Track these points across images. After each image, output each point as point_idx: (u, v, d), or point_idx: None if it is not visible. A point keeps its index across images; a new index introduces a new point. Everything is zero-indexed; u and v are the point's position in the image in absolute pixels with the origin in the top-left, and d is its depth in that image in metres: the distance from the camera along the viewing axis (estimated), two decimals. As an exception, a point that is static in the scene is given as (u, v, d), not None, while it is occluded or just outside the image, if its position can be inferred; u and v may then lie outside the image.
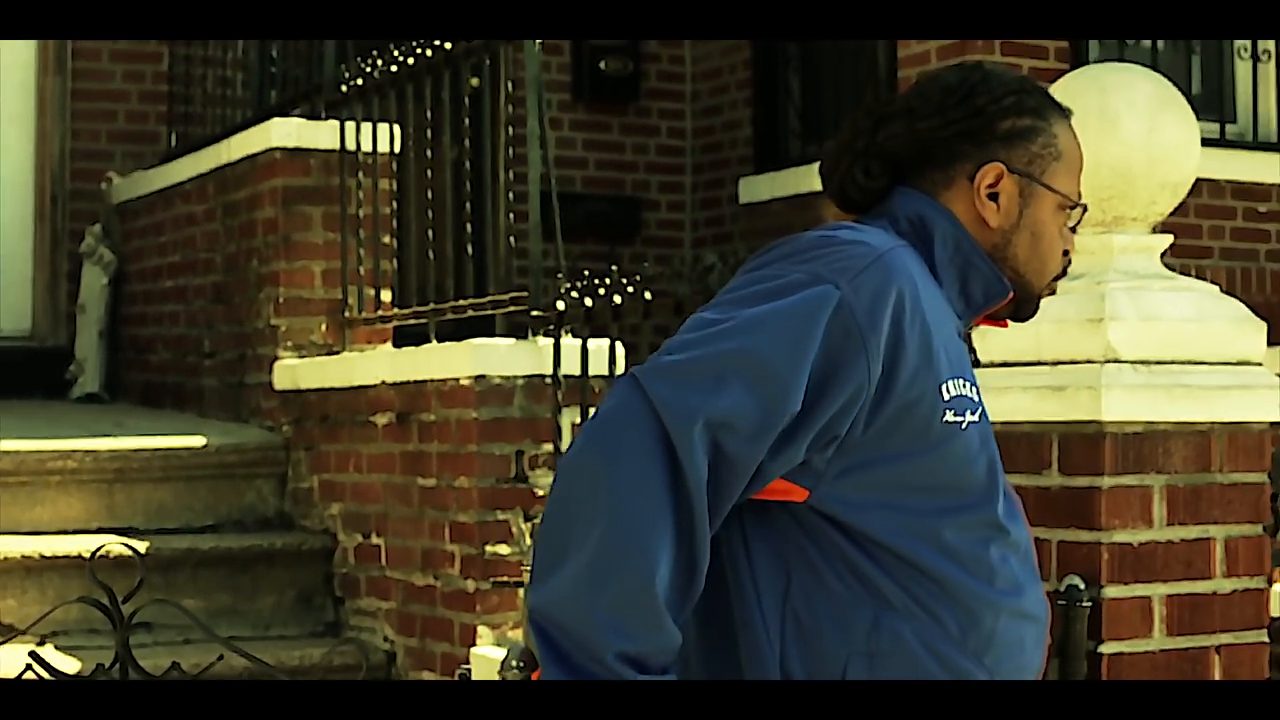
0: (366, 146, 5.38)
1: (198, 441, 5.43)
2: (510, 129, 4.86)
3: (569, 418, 4.45)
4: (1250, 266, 6.94)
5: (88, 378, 6.79)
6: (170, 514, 5.34)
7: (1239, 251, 6.91)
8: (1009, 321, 2.34)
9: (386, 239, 5.46)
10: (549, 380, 4.51)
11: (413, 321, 5.19)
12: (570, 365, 4.40)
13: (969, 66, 2.29)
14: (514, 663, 2.67)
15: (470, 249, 4.99)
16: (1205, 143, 6.56)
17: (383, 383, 5.06)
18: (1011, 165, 2.23)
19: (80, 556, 4.78)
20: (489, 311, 4.85)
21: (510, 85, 4.87)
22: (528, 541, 4.39)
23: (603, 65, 7.88)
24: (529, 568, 2.81)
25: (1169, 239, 3.29)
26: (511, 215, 4.80)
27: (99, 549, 3.26)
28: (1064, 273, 2.32)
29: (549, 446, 4.52)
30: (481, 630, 4.57)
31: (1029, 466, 3.11)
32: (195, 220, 6.27)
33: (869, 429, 2.07)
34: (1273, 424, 3.24)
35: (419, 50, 5.07)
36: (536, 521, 4.56)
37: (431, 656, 4.78)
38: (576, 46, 7.88)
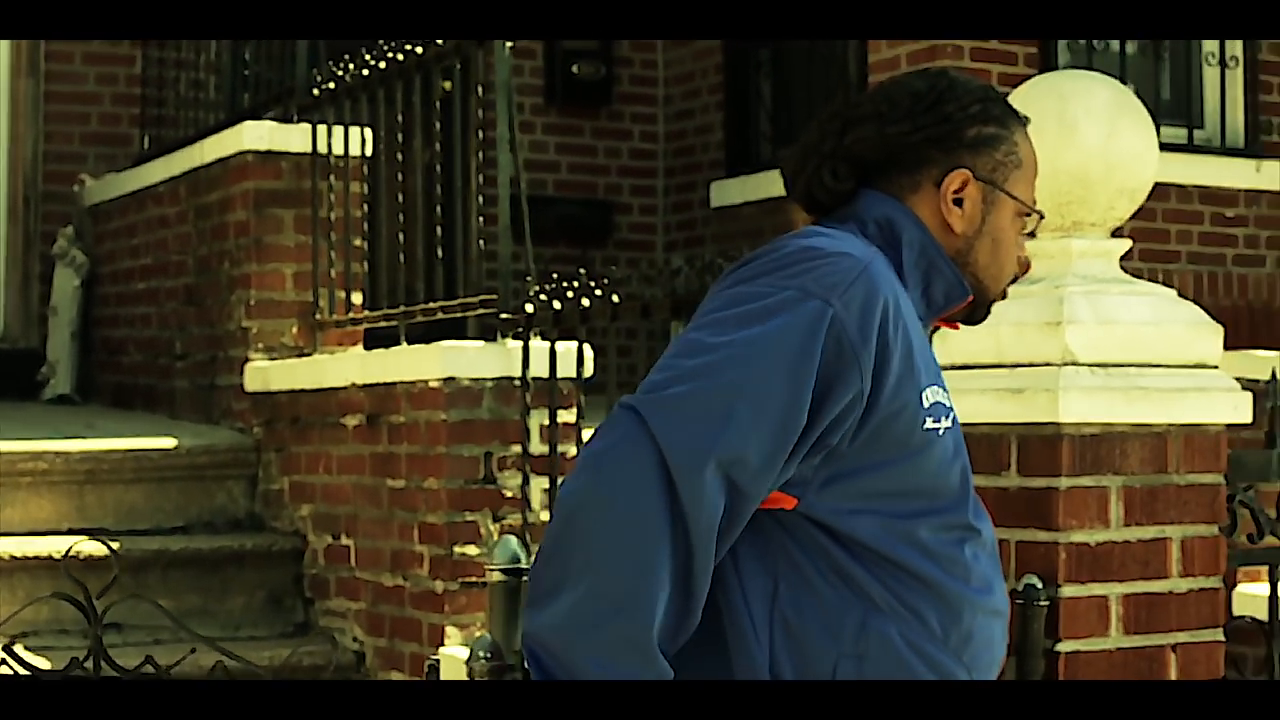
0: (338, 150, 5.41)
1: (169, 443, 5.45)
2: (481, 133, 4.89)
3: (537, 420, 4.49)
4: (1217, 271, 6.99)
5: (59, 379, 6.80)
6: (141, 515, 5.36)
7: (1206, 256, 6.96)
8: (960, 324, 2.38)
9: (357, 242, 5.48)
10: (517, 382, 4.54)
11: (383, 324, 5.22)
12: (539, 368, 4.43)
13: (935, 73, 2.32)
14: (481, 653, 2.69)
15: (441, 252, 5.03)
16: (1173, 148, 6.71)
17: (353, 385, 5.08)
18: (977, 172, 2.27)
19: (51, 557, 4.80)
20: (459, 314, 4.89)
21: (481, 89, 4.90)
22: (495, 538, 4.42)
23: (575, 69, 7.91)
24: (493, 567, 2.84)
25: (1127, 243, 3.33)
26: (482, 219, 4.84)
27: (72, 546, 3.28)
28: (1016, 279, 2.36)
29: (517, 448, 4.56)
30: (450, 630, 4.60)
31: (988, 467, 3.14)
32: (167, 223, 6.28)
33: (856, 439, 2.10)
34: (1228, 426, 3.28)
35: (391, 54, 5.10)
36: (505, 522, 4.60)
37: (400, 657, 4.81)
38: (549, 50, 7.91)
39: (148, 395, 6.38)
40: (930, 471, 2.16)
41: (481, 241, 4.86)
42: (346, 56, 5.32)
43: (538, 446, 4.47)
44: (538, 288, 4.44)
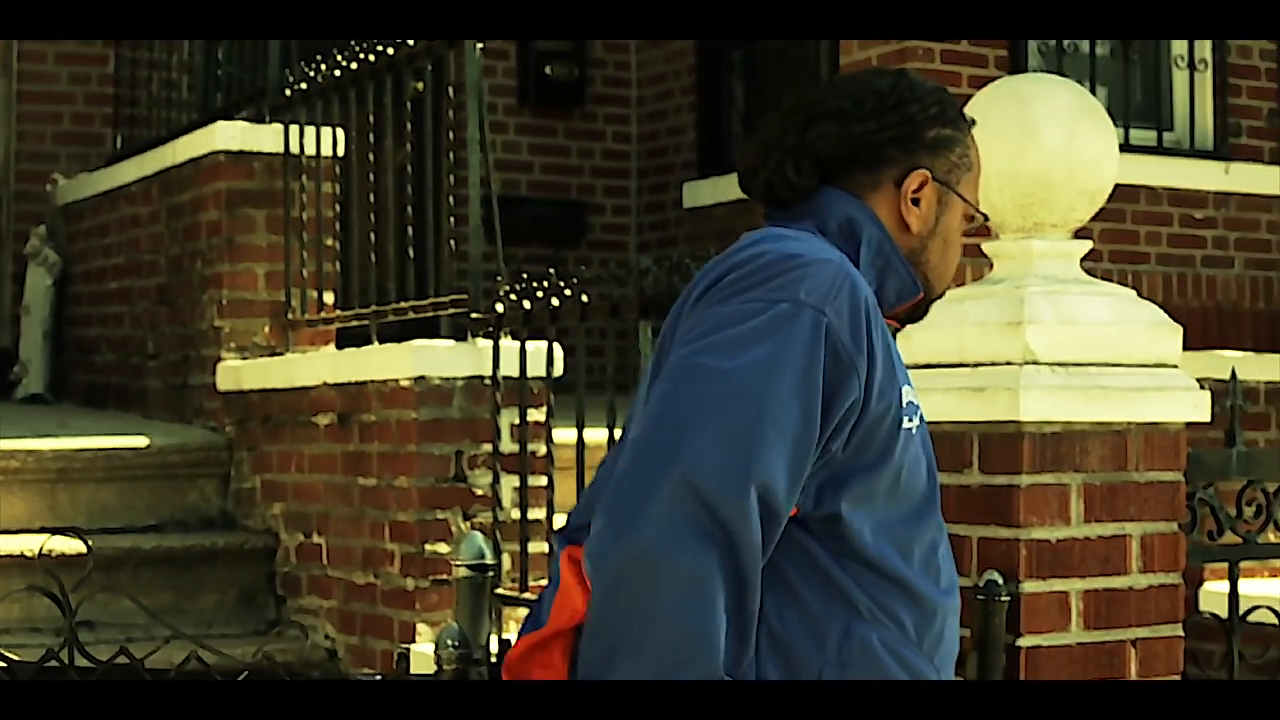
0: (310, 150, 5.43)
1: (141, 442, 5.46)
2: (452, 133, 4.91)
3: (508, 418, 4.51)
4: (1186, 272, 7.03)
5: (32, 379, 6.80)
6: (113, 514, 5.37)
7: (1175, 257, 7.00)
8: (900, 322, 2.40)
9: (329, 241, 5.50)
10: (488, 381, 4.56)
11: (355, 323, 5.24)
12: (509, 367, 4.46)
13: (895, 73, 2.33)
14: (449, 642, 2.72)
15: (412, 252, 5.05)
16: (1143, 150, 6.76)
17: (324, 384, 5.10)
18: (935, 173, 2.29)
19: (23, 555, 4.81)
20: (430, 314, 4.91)
21: (452, 90, 4.93)
22: (465, 532, 4.44)
23: (549, 70, 7.94)
24: (459, 562, 2.87)
25: (1088, 244, 3.37)
26: (453, 219, 4.86)
27: (44, 543, 3.30)
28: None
29: (488, 446, 4.58)
30: (421, 628, 4.62)
31: (950, 465, 3.18)
32: (140, 222, 6.29)
33: (849, 444, 2.12)
34: (1188, 424, 3.32)
35: (362, 55, 5.12)
36: (476, 520, 4.63)
37: (372, 654, 4.83)
38: (523, 51, 7.94)
39: (120, 394, 6.39)
40: (910, 470, 2.18)
41: (452, 241, 4.89)
42: (318, 57, 5.34)
43: (508, 445, 4.50)
44: (508, 287, 4.47)
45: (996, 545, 3.15)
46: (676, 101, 7.98)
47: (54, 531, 5.04)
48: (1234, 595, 3.53)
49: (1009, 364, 3.18)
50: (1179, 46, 7.09)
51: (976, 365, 3.23)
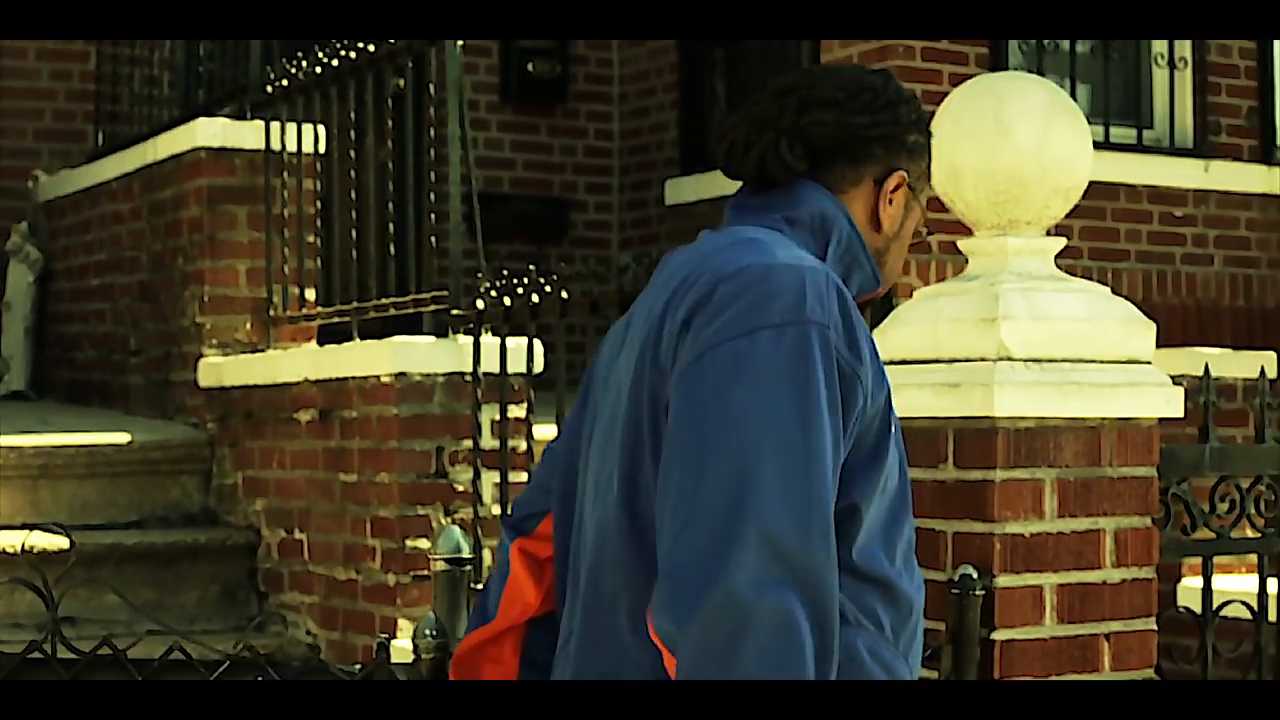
0: (291, 147, 5.44)
1: (123, 438, 5.47)
2: (434, 130, 4.93)
3: (488, 415, 4.53)
4: (1166, 270, 7.06)
5: (14, 375, 6.81)
6: (95, 510, 5.38)
7: (1155, 255, 7.03)
8: None
9: (311, 238, 5.52)
10: (469, 378, 4.58)
11: (336, 320, 5.25)
12: (490, 363, 4.48)
13: (883, 73, 2.35)
14: (427, 631, 2.74)
15: (393, 249, 5.06)
16: (1122, 148, 6.78)
17: (306, 380, 5.12)
18: (909, 177, 2.32)
19: (5, 551, 4.82)
20: (411, 310, 4.93)
21: (434, 87, 4.94)
22: (445, 525, 4.45)
23: (531, 67, 7.95)
24: (437, 556, 2.89)
25: (1062, 242, 3.39)
26: (434, 216, 4.88)
27: (25, 539, 3.31)
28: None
29: (469, 443, 4.60)
30: (402, 624, 4.64)
31: (925, 460, 3.20)
32: (121, 219, 6.30)
33: (851, 448, 2.13)
34: (1161, 420, 3.34)
35: (344, 52, 5.13)
36: (457, 516, 4.64)
37: (353, 649, 4.85)
38: (505, 49, 7.95)
39: (102, 391, 6.40)
40: (896, 469, 2.20)
41: (433, 238, 4.91)
42: (300, 54, 5.35)
43: (489, 441, 4.52)
44: (489, 284, 4.49)
45: (971, 540, 3.17)
46: (659, 99, 8.00)
47: (36, 527, 5.08)
48: (1208, 590, 3.56)
49: (984, 360, 3.20)
50: (1159, 45, 7.11)
51: (951, 361, 3.25)
